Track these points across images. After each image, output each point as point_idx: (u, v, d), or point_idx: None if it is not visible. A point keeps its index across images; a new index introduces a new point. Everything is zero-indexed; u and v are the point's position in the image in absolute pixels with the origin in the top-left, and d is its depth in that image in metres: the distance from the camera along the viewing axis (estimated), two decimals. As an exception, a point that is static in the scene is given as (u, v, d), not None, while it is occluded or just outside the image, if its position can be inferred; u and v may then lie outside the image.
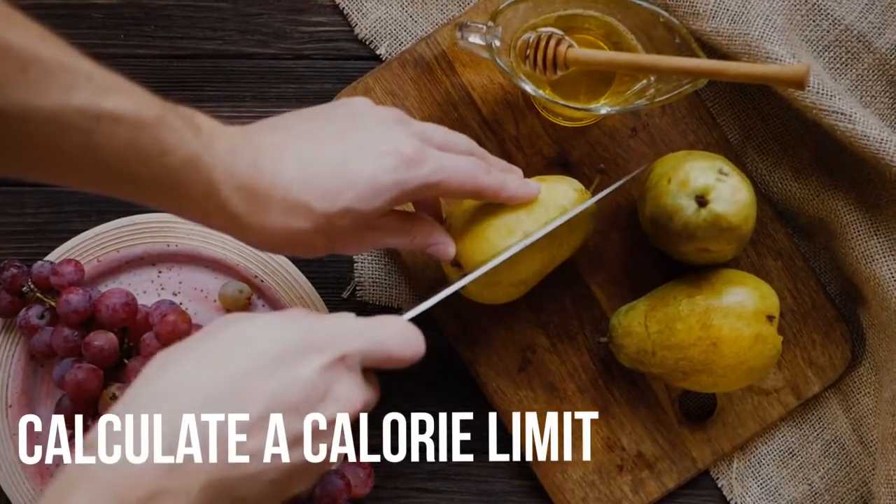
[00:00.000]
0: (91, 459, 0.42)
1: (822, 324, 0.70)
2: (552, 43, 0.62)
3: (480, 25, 0.64)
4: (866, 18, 0.67)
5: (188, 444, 0.43)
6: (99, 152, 0.47)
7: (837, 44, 0.68)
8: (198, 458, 0.43)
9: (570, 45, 0.62)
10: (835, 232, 0.68)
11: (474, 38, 0.64)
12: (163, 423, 0.43)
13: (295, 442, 0.46)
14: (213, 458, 0.43)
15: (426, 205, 0.64)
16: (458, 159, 0.57)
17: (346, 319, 0.51)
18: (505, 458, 0.71)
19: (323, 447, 0.47)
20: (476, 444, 0.71)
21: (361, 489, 0.66)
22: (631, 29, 0.63)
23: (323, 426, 0.47)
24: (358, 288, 0.71)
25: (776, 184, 0.70)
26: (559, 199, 0.62)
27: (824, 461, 0.71)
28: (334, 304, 0.71)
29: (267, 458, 0.45)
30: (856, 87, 0.68)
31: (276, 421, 0.45)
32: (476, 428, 0.71)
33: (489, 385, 0.69)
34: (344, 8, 0.72)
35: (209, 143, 0.51)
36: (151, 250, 0.69)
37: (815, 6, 0.68)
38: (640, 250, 0.70)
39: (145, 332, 0.66)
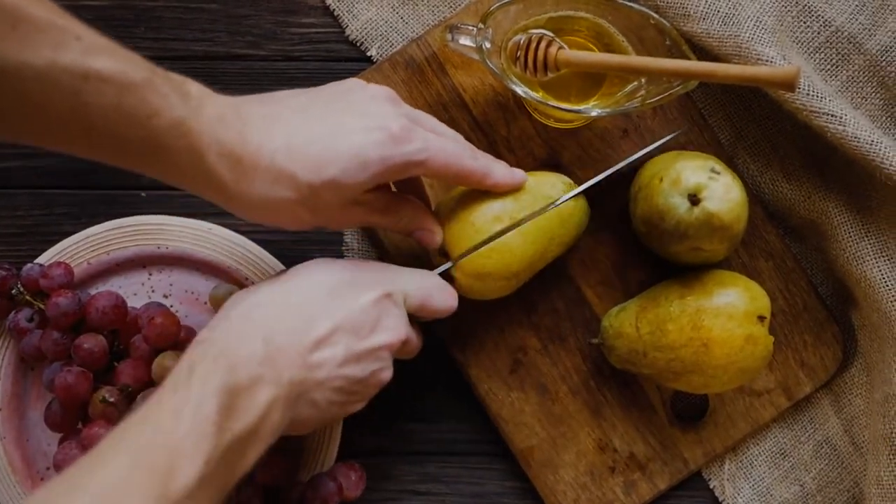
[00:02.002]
0: (205, 348, 0.51)
1: (813, 325, 0.70)
2: (543, 45, 0.62)
3: (471, 27, 0.63)
4: (857, 20, 0.67)
5: (272, 346, 0.52)
6: (86, 112, 0.48)
7: (828, 45, 0.68)
8: (282, 360, 0.52)
9: (561, 47, 0.62)
10: (826, 233, 0.68)
11: (465, 40, 0.64)
12: (248, 328, 0.53)
13: (355, 359, 0.55)
14: (293, 361, 0.53)
15: (414, 190, 0.64)
16: (444, 141, 0.58)
17: (392, 266, 0.60)
18: (497, 459, 0.71)
19: (375, 368, 0.56)
20: (468, 447, 0.71)
21: (353, 491, 0.66)
22: (621, 31, 0.63)
23: (376, 349, 0.56)
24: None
25: (767, 185, 0.71)
26: (547, 190, 0.63)
27: (816, 462, 0.71)
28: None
29: (333, 368, 0.54)
30: (846, 89, 0.68)
31: (341, 338, 0.54)
32: (468, 430, 0.71)
33: (481, 387, 0.69)
34: (334, 9, 0.72)
35: (197, 109, 0.51)
36: (142, 253, 0.68)
37: (806, 7, 0.68)
38: (631, 252, 0.70)
39: (135, 334, 0.66)
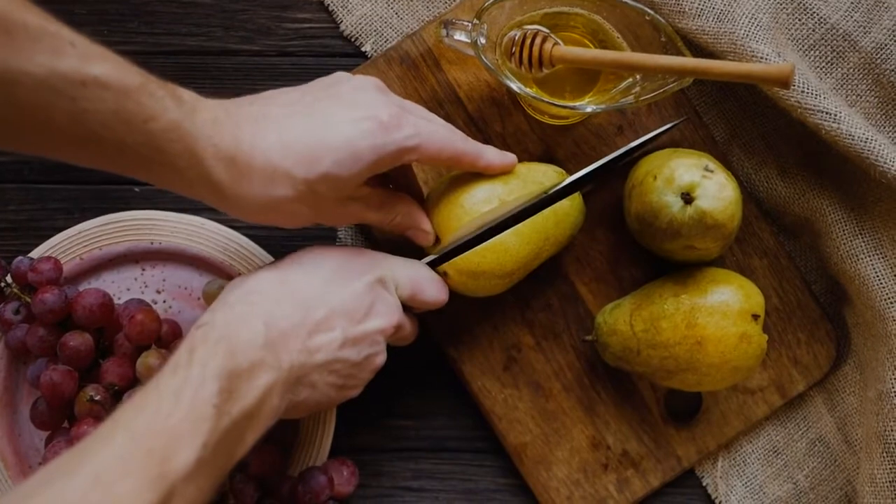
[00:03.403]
0: (205, 332, 0.51)
1: (807, 323, 0.70)
2: (538, 41, 0.62)
3: (466, 23, 0.63)
4: (852, 17, 0.67)
5: (273, 331, 0.53)
6: (85, 118, 0.47)
7: (823, 42, 0.68)
8: (282, 344, 0.53)
9: (556, 43, 0.62)
10: (820, 231, 0.68)
11: (460, 36, 0.64)
12: (248, 313, 0.53)
13: (352, 342, 0.56)
14: (293, 345, 0.54)
15: (408, 188, 0.64)
16: (435, 126, 0.59)
17: (384, 254, 0.61)
18: (490, 456, 0.71)
19: (370, 352, 0.58)
20: (461, 443, 0.71)
21: (345, 487, 0.66)
22: (617, 27, 0.63)
23: (371, 333, 0.57)
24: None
25: (762, 183, 0.70)
26: (539, 177, 0.64)
27: (809, 460, 0.71)
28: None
29: (332, 352, 0.56)
30: (841, 86, 0.68)
31: (338, 323, 0.56)
32: (461, 426, 0.71)
33: (474, 384, 0.69)
34: (329, 4, 0.72)
35: (191, 112, 0.51)
36: (135, 248, 0.68)
37: (801, 5, 0.67)
38: (625, 249, 0.70)
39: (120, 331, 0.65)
